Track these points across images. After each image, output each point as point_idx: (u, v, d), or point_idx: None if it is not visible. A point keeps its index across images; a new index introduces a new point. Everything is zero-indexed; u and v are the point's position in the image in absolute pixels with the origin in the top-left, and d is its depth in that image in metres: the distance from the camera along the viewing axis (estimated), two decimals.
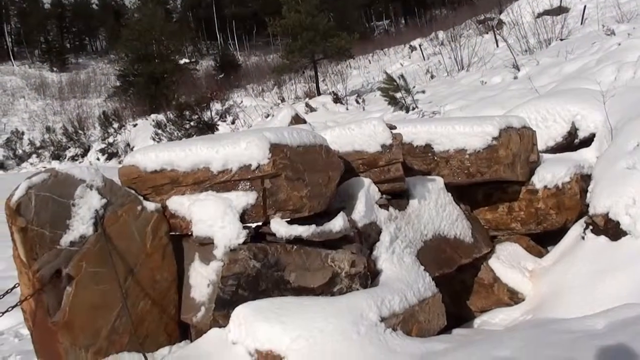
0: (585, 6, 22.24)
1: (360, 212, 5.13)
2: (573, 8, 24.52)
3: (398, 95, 13.78)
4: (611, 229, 5.57)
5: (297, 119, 15.82)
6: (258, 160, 4.52)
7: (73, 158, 38.10)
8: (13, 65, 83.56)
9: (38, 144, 42.36)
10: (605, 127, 7.00)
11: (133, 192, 4.76)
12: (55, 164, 36.83)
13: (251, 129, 18.14)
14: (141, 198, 4.75)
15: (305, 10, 29.17)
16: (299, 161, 4.71)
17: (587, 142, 7.21)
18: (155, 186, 4.76)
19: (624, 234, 5.45)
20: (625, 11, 18.42)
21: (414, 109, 13.07)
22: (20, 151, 42.54)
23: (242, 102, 32.26)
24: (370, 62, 40.71)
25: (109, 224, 4.48)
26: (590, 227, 5.87)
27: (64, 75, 79.85)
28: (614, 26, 15.83)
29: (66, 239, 4.25)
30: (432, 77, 21.66)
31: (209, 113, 28.02)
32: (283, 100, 31.33)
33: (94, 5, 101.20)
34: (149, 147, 5.09)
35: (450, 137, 6.36)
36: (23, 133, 45.06)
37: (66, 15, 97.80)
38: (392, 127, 5.69)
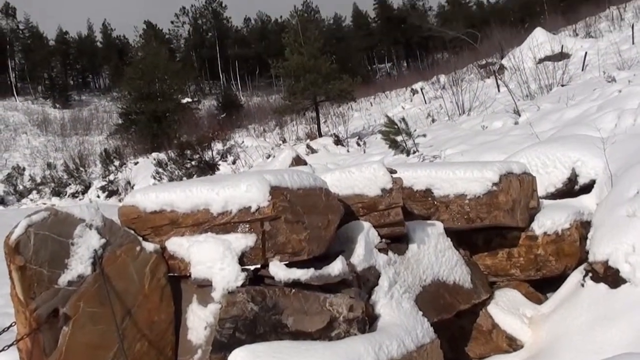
0: (586, 53, 22.42)
1: (359, 256, 5.12)
2: (574, 54, 24.71)
3: (399, 138, 13.82)
4: (611, 277, 5.55)
5: (298, 161, 15.85)
6: (258, 202, 4.52)
7: (73, 195, 38.10)
8: (16, 100, 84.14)
9: (39, 180, 42.44)
10: (605, 174, 7.01)
11: (132, 232, 4.76)
12: (55, 201, 36.84)
13: (252, 169, 18.19)
14: (140, 238, 4.74)
15: (308, 53, 29.38)
16: (298, 204, 4.71)
17: (587, 188, 7.22)
18: (155, 227, 4.76)
19: (624, 281, 5.43)
20: (626, 58, 18.57)
21: (414, 152, 13.10)
22: (21, 187, 42.61)
23: (243, 142, 32.39)
24: (371, 105, 40.95)
25: (107, 264, 4.47)
26: (590, 274, 5.85)
27: (66, 112, 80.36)
28: (614, 73, 15.93)
29: (64, 279, 4.24)
30: (433, 120, 21.75)
31: (210, 153, 28.10)
32: (284, 141, 31.44)
33: (98, 43, 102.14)
34: (149, 188, 5.09)
35: (450, 181, 6.37)
36: (24, 169, 45.21)
37: (70, 52, 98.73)
38: (392, 171, 5.70)
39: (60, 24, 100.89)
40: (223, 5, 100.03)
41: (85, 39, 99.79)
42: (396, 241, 5.72)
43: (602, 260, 5.67)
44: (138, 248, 4.67)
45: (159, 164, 28.55)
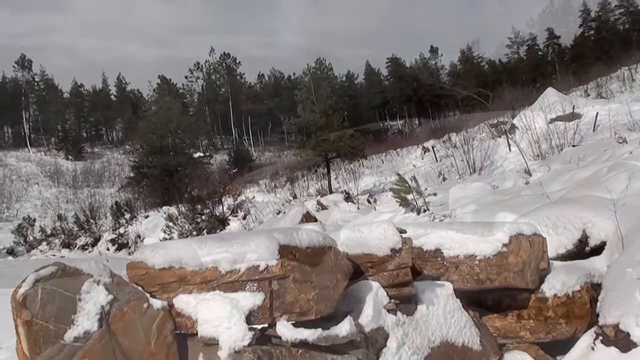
0: (597, 113, 22.45)
1: (367, 317, 5.09)
2: (585, 115, 24.74)
3: (410, 196, 13.80)
4: (621, 340, 5.48)
5: (308, 217, 15.85)
6: (266, 261, 4.51)
7: (83, 247, 38.09)
8: (29, 151, 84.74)
9: (49, 232, 42.45)
10: (616, 235, 6.96)
11: (140, 288, 4.75)
12: (65, 252, 36.82)
13: (262, 225, 18.16)
14: (148, 295, 4.73)
15: (320, 110, 29.58)
16: (307, 263, 4.70)
17: (598, 250, 7.17)
18: (163, 283, 4.75)
19: (635, 345, 5.36)
20: (637, 119, 18.56)
21: (425, 211, 13.07)
22: (31, 238, 42.62)
23: (254, 197, 32.43)
24: (383, 162, 41.03)
25: (114, 320, 4.45)
26: (600, 337, 5.78)
27: (79, 164, 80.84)
28: (625, 134, 15.91)
29: (70, 334, 4.22)
30: (444, 179, 21.75)
31: (220, 207, 28.17)
32: (295, 197, 31.46)
33: (112, 96, 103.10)
34: (157, 244, 5.10)
35: (460, 242, 6.35)
36: (35, 220, 45.23)
37: (84, 104, 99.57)
38: (402, 231, 5.69)
39: (75, 77, 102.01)
40: (237, 61, 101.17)
41: (99, 92, 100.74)
42: (405, 302, 5.68)
43: (613, 324, 5.61)
44: (145, 305, 4.66)
45: (170, 218, 28.61)
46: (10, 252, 40.79)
